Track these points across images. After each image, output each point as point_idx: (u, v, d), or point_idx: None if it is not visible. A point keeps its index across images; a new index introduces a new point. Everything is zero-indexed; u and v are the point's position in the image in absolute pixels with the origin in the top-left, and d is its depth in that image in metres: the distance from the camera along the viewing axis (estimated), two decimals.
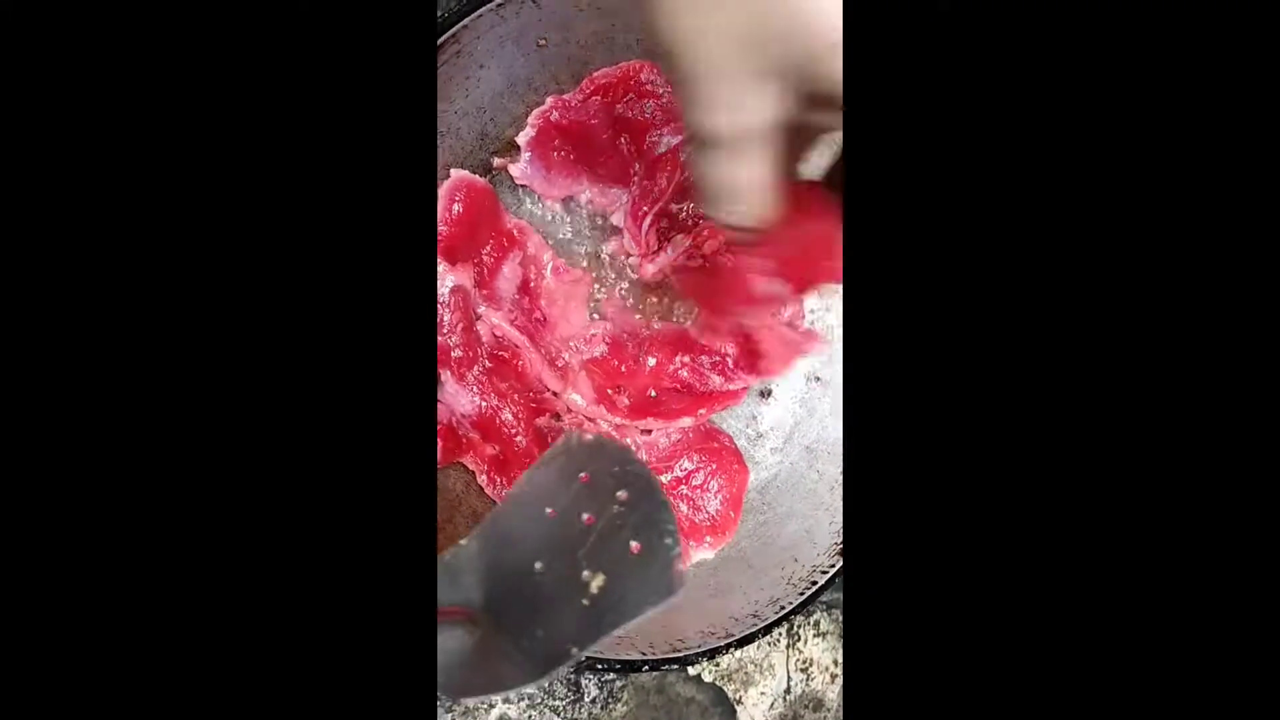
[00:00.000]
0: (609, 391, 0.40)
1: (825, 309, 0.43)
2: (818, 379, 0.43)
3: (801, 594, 0.40)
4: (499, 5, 0.34)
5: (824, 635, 0.46)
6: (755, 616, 0.39)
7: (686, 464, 0.41)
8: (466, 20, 0.34)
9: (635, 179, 0.40)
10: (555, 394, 0.40)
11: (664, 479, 0.41)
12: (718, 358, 0.40)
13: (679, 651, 0.38)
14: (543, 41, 0.37)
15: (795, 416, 0.43)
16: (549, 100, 0.39)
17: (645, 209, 0.40)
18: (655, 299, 0.42)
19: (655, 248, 0.40)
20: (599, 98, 0.39)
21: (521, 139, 0.39)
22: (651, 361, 0.40)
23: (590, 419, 0.40)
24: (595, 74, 0.39)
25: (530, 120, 0.39)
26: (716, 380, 0.40)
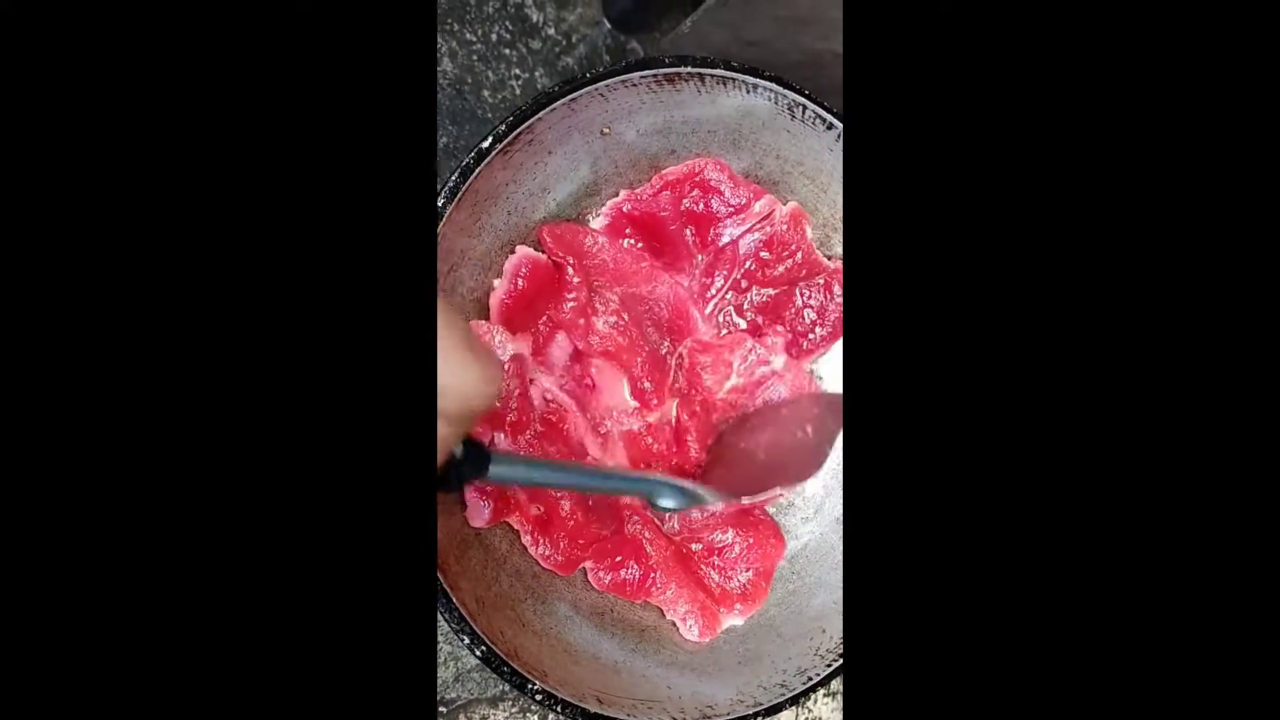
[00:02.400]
0: (643, 466, 0.42)
1: None
2: None
3: (829, 665, 0.41)
4: (572, 99, 0.37)
5: (834, 695, 0.47)
6: (783, 686, 0.40)
7: (721, 537, 0.43)
8: (541, 113, 0.37)
9: (696, 271, 0.43)
10: (595, 460, 0.42)
11: (695, 548, 0.43)
12: None
13: (709, 718, 0.39)
14: (606, 130, 0.40)
15: (826, 487, 0.45)
16: (622, 194, 0.42)
17: (709, 296, 0.43)
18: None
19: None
20: (668, 193, 0.42)
21: (595, 225, 0.42)
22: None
23: None
24: (665, 171, 0.42)
25: (604, 210, 0.42)
26: None
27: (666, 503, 0.36)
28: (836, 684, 0.47)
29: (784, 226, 0.42)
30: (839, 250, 0.44)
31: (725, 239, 0.42)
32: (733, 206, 0.42)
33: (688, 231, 0.42)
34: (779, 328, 0.43)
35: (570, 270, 0.40)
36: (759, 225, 0.42)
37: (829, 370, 0.45)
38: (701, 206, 0.42)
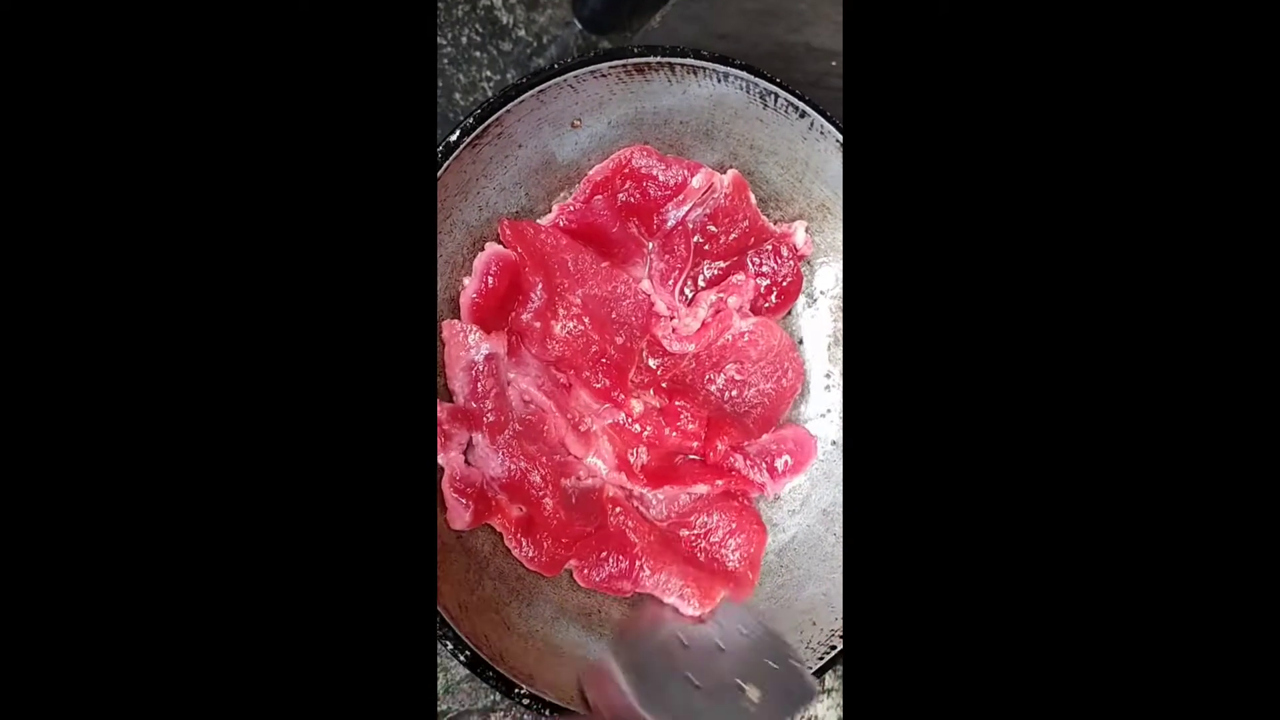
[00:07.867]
0: (629, 455, 0.41)
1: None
2: (834, 443, 0.44)
3: (820, 659, 0.40)
4: (540, 91, 0.36)
5: (828, 692, 0.46)
6: None
7: (705, 520, 0.42)
8: (510, 105, 0.36)
9: (651, 256, 0.42)
10: (578, 458, 0.41)
11: (683, 534, 0.42)
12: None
13: None
14: (577, 122, 0.39)
15: (813, 479, 0.44)
16: (555, 209, 0.41)
17: (673, 278, 0.42)
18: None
19: (690, 304, 0.43)
20: (600, 195, 0.41)
21: None
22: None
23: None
24: (591, 172, 0.41)
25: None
26: (740, 460, 0.42)
27: None
28: (831, 680, 0.46)
29: (726, 197, 0.41)
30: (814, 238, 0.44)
31: (671, 221, 0.42)
32: (670, 188, 0.41)
33: (632, 225, 0.42)
34: (737, 277, 0.42)
35: (528, 270, 0.40)
36: (701, 200, 0.42)
37: (810, 336, 0.45)
38: (638, 197, 0.41)
